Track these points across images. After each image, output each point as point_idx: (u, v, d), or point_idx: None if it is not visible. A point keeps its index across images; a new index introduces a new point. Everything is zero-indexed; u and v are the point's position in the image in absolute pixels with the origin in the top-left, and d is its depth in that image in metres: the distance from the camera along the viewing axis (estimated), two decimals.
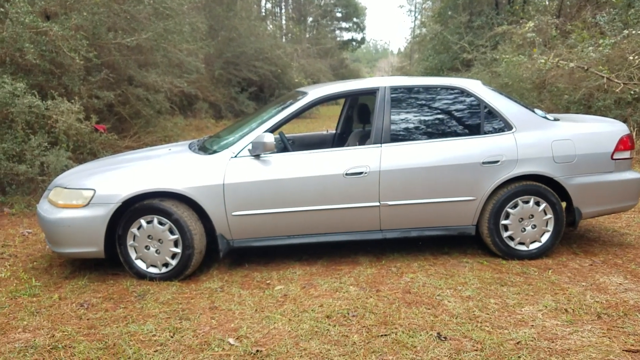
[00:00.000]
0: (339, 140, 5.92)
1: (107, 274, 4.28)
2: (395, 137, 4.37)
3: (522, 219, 4.44)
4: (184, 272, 4.13)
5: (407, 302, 3.59)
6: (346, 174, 4.21)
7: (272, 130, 4.29)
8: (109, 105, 9.88)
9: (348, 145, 5.44)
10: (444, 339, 3.06)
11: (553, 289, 3.81)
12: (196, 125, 16.84)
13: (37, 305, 3.68)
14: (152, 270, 4.16)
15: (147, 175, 4.11)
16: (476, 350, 2.93)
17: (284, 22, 39.57)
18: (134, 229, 4.11)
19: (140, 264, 4.16)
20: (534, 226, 4.46)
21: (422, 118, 4.49)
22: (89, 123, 7.23)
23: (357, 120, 5.50)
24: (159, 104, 11.57)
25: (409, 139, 4.39)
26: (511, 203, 4.41)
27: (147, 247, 4.13)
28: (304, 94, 4.53)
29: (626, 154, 4.54)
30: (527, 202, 4.42)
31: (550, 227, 4.47)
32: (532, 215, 4.44)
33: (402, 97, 4.50)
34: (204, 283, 4.07)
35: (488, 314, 3.41)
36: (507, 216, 4.43)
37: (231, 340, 3.10)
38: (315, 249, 4.80)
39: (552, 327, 3.20)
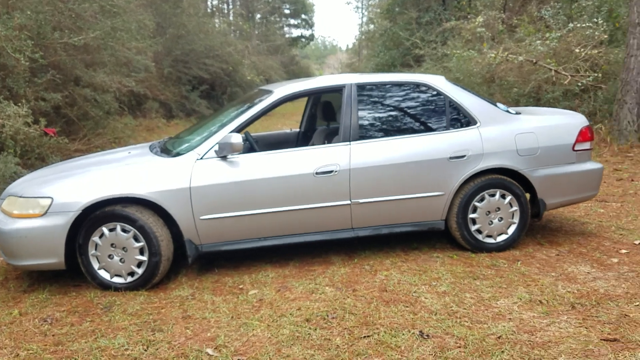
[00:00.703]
0: (303, 138, 5.84)
1: (69, 286, 4.08)
2: (364, 135, 4.34)
3: (489, 212, 4.49)
4: (151, 280, 3.97)
5: (385, 301, 3.56)
6: (316, 173, 4.15)
7: (238, 130, 4.18)
8: (56, 107, 9.47)
9: (313, 144, 5.39)
10: (426, 337, 3.05)
11: (524, 280, 3.87)
12: (147, 126, 16.39)
13: None
14: (116, 280, 3.99)
15: (107, 181, 3.92)
16: (459, 347, 2.92)
17: (231, 18, 39.05)
18: (95, 238, 3.92)
19: (104, 274, 3.98)
20: (501, 219, 4.51)
21: (389, 114, 4.47)
22: (37, 127, 6.89)
23: (321, 117, 5.44)
24: (108, 105, 11.18)
25: (377, 136, 4.36)
26: (478, 197, 4.45)
27: (110, 256, 3.95)
28: (269, 92, 4.43)
29: (586, 145, 4.66)
30: (493, 195, 4.47)
31: (516, 219, 4.54)
32: (499, 208, 4.50)
33: (368, 94, 4.47)
34: (174, 291, 3.93)
35: (465, 308, 3.42)
36: (474, 210, 4.47)
37: (209, 351, 2.99)
38: (287, 249, 4.71)
39: (529, 320, 3.24)
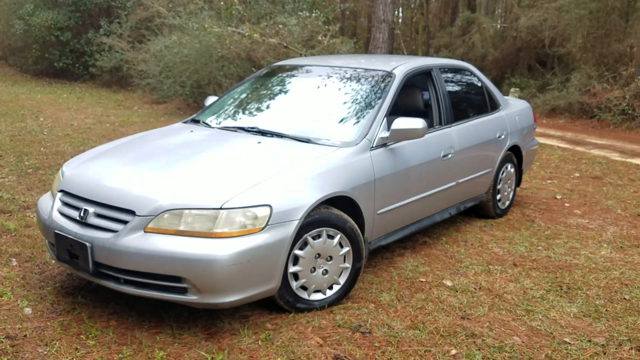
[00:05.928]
0: None
1: (230, 316, 3.02)
2: (454, 118, 4.49)
3: (505, 182, 5.25)
4: (350, 290, 3.33)
5: (593, 272, 3.91)
6: (443, 157, 4.16)
7: (387, 115, 3.80)
8: None
9: None
10: None
11: (578, 233, 4.79)
12: None
13: None
14: (314, 297, 3.19)
15: (308, 179, 3.11)
16: None
17: None
18: (296, 250, 3.04)
19: (301, 294, 3.13)
20: (509, 187, 5.34)
21: (455, 98, 4.72)
22: None
23: None
24: None
25: (459, 119, 4.55)
26: (501, 170, 5.15)
27: (312, 270, 3.14)
28: (390, 73, 4.07)
29: (535, 125, 5.88)
30: (507, 168, 5.24)
31: (513, 186, 5.44)
32: (509, 179, 5.31)
33: (445, 78, 4.60)
34: (372, 297, 3.40)
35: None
36: (499, 182, 5.16)
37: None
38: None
39: None
